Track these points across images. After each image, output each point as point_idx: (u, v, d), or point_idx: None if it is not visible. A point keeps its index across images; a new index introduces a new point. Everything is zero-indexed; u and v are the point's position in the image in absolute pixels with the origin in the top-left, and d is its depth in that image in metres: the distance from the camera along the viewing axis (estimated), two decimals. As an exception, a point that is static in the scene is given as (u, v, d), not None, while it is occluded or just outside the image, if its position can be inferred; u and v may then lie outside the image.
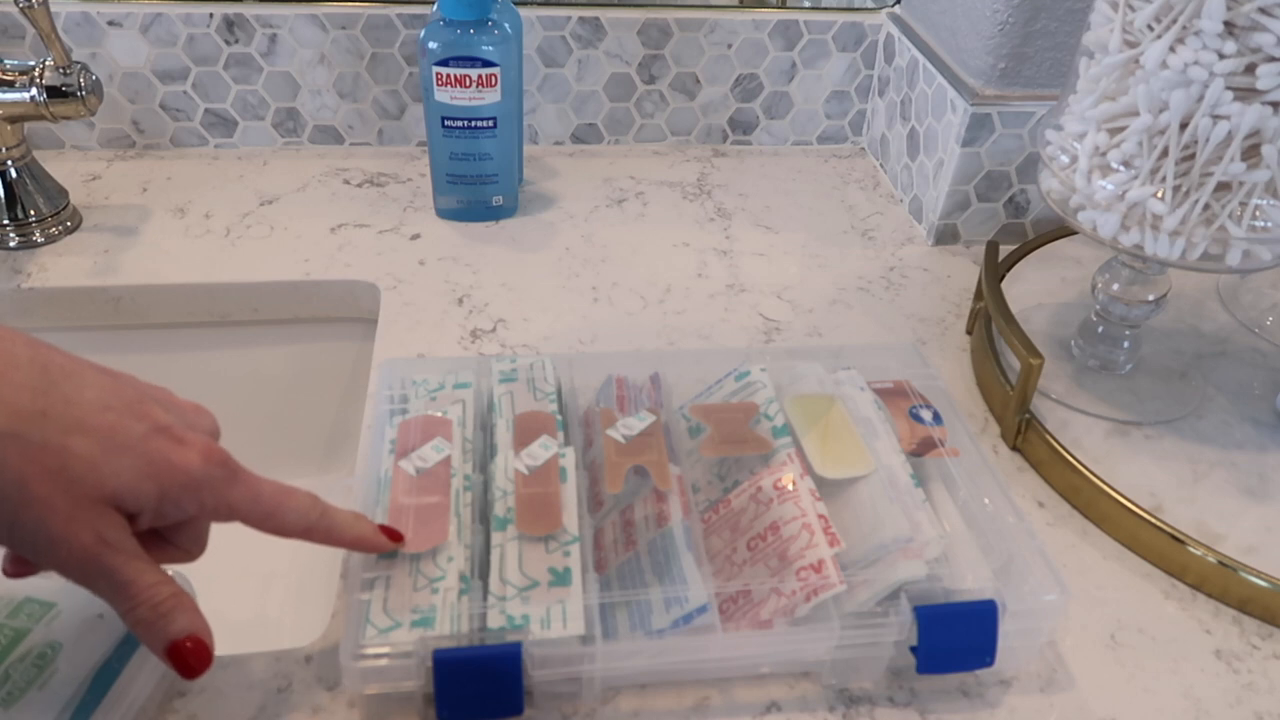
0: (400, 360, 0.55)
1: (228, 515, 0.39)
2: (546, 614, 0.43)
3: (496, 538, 0.46)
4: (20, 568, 0.40)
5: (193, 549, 0.41)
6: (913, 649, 0.45)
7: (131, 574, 0.36)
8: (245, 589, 0.66)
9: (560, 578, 0.44)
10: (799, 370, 0.57)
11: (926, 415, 0.55)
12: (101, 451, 0.35)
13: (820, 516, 0.47)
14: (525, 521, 0.46)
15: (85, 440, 0.35)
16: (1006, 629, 0.45)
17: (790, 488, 0.48)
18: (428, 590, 0.44)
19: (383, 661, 0.41)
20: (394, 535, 0.45)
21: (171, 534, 0.40)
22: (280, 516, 0.40)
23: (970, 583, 0.47)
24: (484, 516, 0.48)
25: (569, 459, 0.50)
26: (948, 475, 0.53)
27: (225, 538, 0.70)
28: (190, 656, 0.38)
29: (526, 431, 0.51)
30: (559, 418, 0.52)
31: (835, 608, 0.45)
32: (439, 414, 0.52)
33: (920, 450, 0.53)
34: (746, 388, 0.56)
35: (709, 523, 0.50)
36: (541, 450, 0.50)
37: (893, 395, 0.57)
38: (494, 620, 0.43)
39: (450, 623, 0.42)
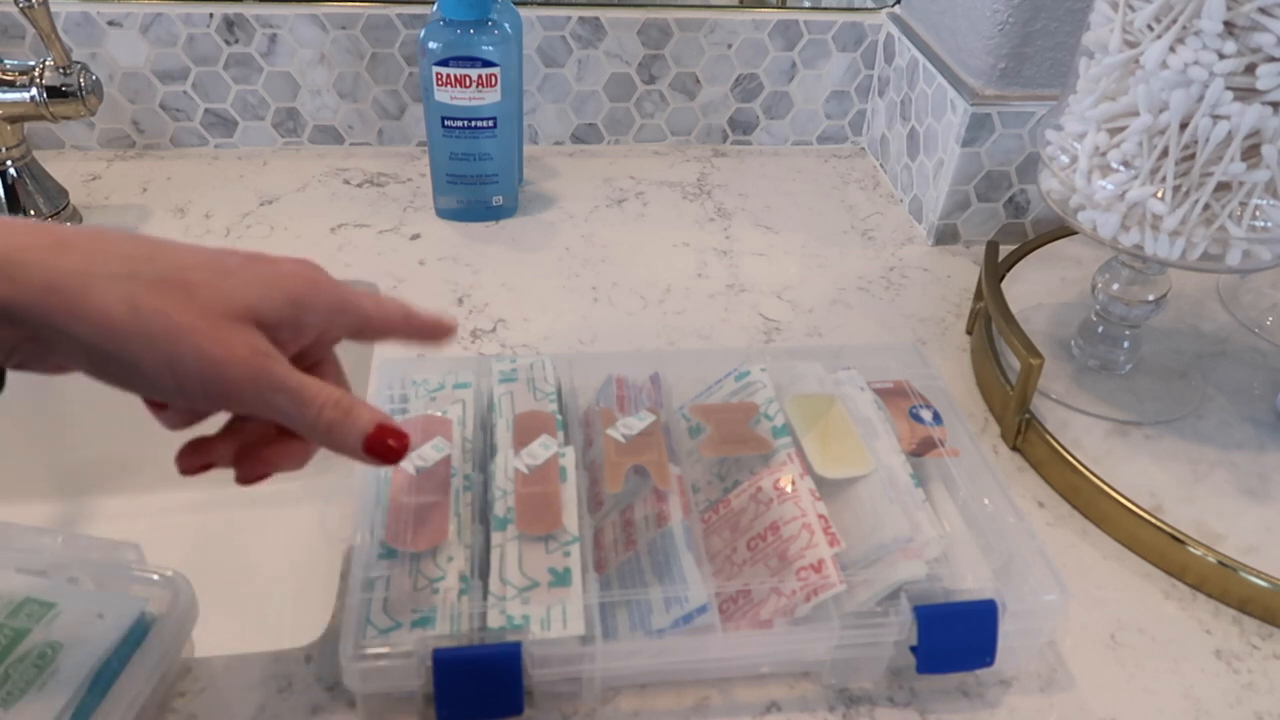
0: (400, 360, 0.55)
1: (346, 309, 0.39)
2: (546, 614, 0.43)
3: (496, 537, 0.46)
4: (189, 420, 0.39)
5: (338, 379, 0.41)
6: (913, 649, 0.45)
7: (300, 379, 0.36)
8: (245, 589, 0.66)
9: (560, 578, 0.44)
10: (799, 370, 0.57)
11: (926, 415, 0.55)
12: (216, 276, 0.35)
13: (820, 516, 0.47)
14: (525, 521, 0.46)
15: (198, 271, 0.34)
16: (1006, 629, 0.45)
17: (790, 488, 0.48)
18: (428, 590, 0.44)
19: (383, 662, 0.41)
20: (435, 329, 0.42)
21: (315, 367, 0.40)
22: (383, 303, 0.41)
23: (970, 583, 0.47)
24: (484, 516, 0.48)
25: (569, 458, 0.50)
26: (948, 475, 0.53)
27: (226, 538, 0.70)
28: (390, 438, 0.37)
29: (526, 431, 0.51)
30: (559, 417, 0.52)
31: (835, 607, 0.45)
32: (439, 414, 0.52)
33: (920, 450, 0.53)
34: (746, 388, 0.56)
35: (709, 523, 0.50)
36: (541, 450, 0.50)
37: (893, 395, 0.57)
38: (494, 620, 0.43)
39: (450, 623, 0.42)
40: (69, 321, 0.31)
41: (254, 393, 0.35)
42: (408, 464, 0.48)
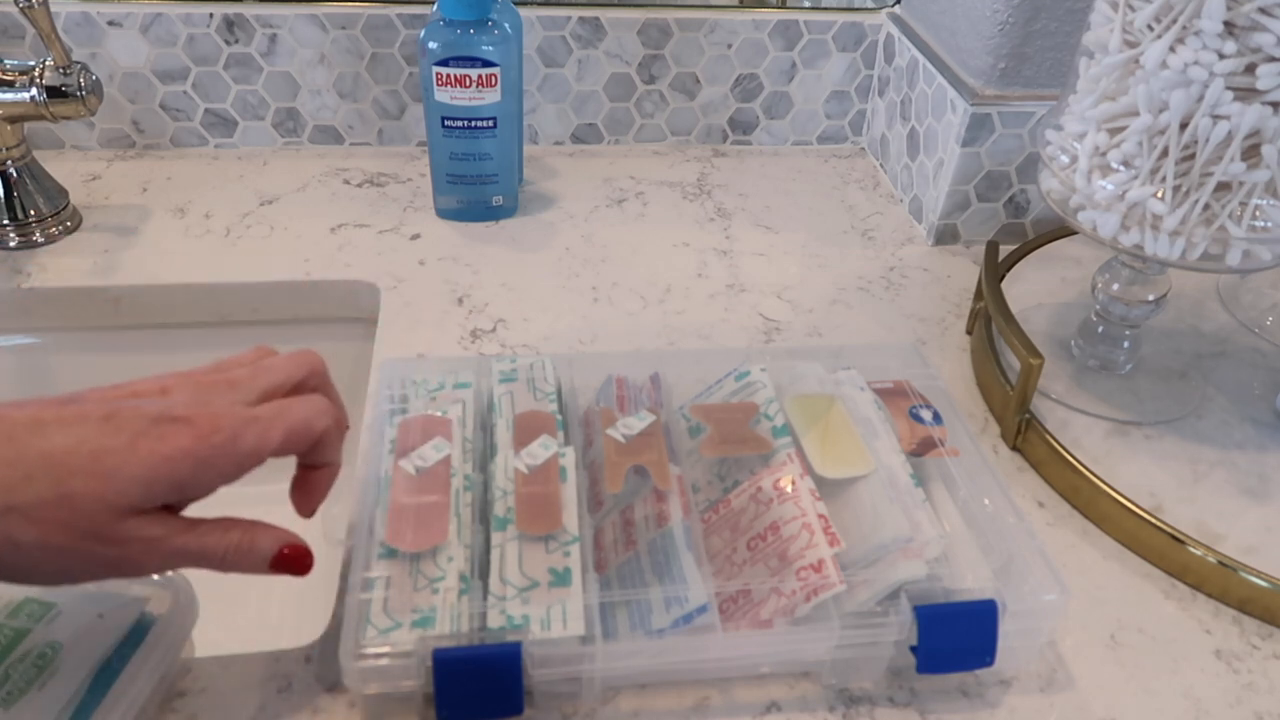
0: (400, 360, 0.55)
1: (257, 463, 0.39)
2: (546, 614, 0.43)
3: (496, 537, 0.46)
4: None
5: (317, 458, 0.43)
6: (913, 649, 0.45)
7: (196, 545, 0.38)
8: (245, 589, 0.66)
9: (560, 578, 0.44)
10: (799, 370, 0.57)
11: (926, 415, 0.55)
12: (97, 480, 0.35)
13: (820, 516, 0.47)
14: (525, 521, 0.46)
15: (77, 479, 0.35)
16: (1006, 629, 0.45)
17: (790, 488, 0.48)
18: (428, 590, 0.43)
19: (383, 661, 0.41)
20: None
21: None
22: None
23: (970, 582, 0.47)
24: (484, 516, 0.48)
25: (569, 458, 0.50)
26: (948, 475, 0.53)
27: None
28: (292, 563, 0.41)
29: (526, 431, 0.51)
30: (559, 417, 0.52)
31: (835, 607, 0.45)
32: (439, 414, 0.52)
33: (920, 450, 0.53)
34: (746, 388, 0.56)
35: (709, 523, 0.50)
36: (541, 450, 0.50)
37: (893, 395, 0.57)
38: (494, 620, 0.43)
39: (450, 622, 0.42)
40: None
41: (161, 566, 0.39)
42: (408, 464, 0.48)
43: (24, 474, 0.34)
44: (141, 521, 0.36)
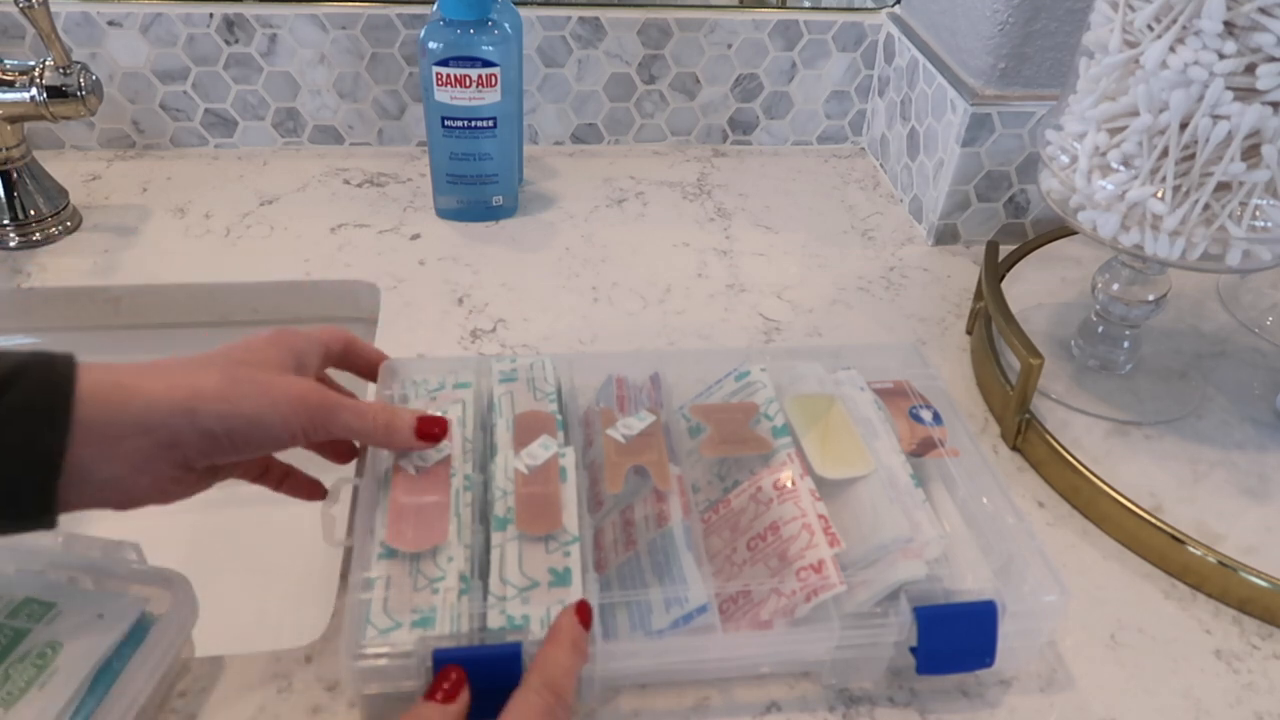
0: (400, 360, 0.55)
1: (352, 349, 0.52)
2: (547, 614, 0.43)
3: (496, 537, 0.46)
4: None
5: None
6: (912, 649, 0.45)
7: (354, 400, 0.47)
8: (245, 589, 0.66)
9: (560, 578, 0.44)
10: (799, 370, 0.57)
11: (926, 415, 0.55)
12: (262, 350, 0.45)
13: (820, 517, 0.47)
14: (525, 521, 0.46)
15: (250, 352, 0.45)
16: (1006, 630, 0.45)
17: (790, 487, 0.48)
18: (428, 590, 0.43)
19: (382, 662, 0.41)
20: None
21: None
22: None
23: (970, 583, 0.47)
24: (484, 516, 0.48)
25: (569, 459, 0.50)
26: (948, 475, 0.53)
27: (226, 538, 0.70)
28: (433, 427, 0.48)
29: (526, 431, 0.51)
30: (559, 417, 0.52)
31: (835, 608, 0.45)
32: (439, 414, 0.52)
33: (920, 450, 0.53)
34: (746, 388, 0.56)
35: (709, 523, 0.50)
36: (541, 450, 0.50)
37: (893, 395, 0.57)
38: (494, 620, 0.43)
39: (450, 623, 0.42)
40: (197, 404, 0.41)
41: (328, 416, 0.44)
42: (408, 464, 0.49)
43: (220, 357, 0.44)
44: (303, 378, 0.46)
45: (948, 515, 0.51)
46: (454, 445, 0.50)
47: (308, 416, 0.44)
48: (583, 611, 0.42)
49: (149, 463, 0.40)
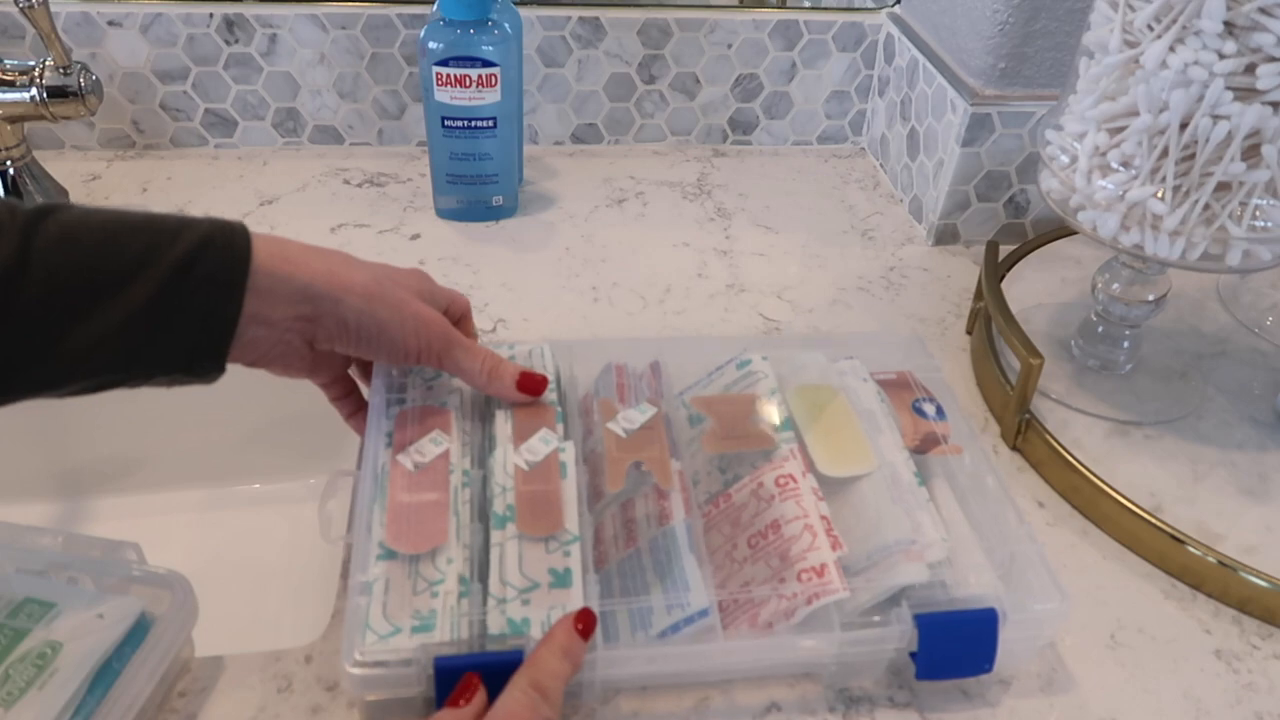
0: None
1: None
2: (547, 618, 0.42)
3: (496, 536, 0.45)
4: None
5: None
6: (912, 655, 0.45)
7: (469, 340, 0.51)
8: (245, 589, 0.66)
9: (560, 579, 0.44)
10: (801, 360, 0.57)
11: (930, 409, 0.55)
12: (404, 278, 0.50)
13: (823, 517, 0.47)
14: (526, 522, 0.46)
15: (398, 274, 0.49)
16: (1006, 635, 0.45)
17: (792, 485, 0.48)
18: (427, 594, 0.43)
19: (382, 671, 0.41)
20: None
21: None
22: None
23: (972, 587, 0.47)
24: (483, 513, 0.48)
25: (569, 453, 0.49)
26: (950, 473, 0.53)
27: (226, 538, 0.70)
28: (534, 383, 0.51)
29: (526, 424, 0.50)
30: (559, 409, 0.52)
31: (836, 611, 0.45)
32: (437, 404, 0.51)
33: (923, 447, 0.53)
34: (748, 377, 0.55)
35: (709, 516, 0.50)
36: (541, 445, 0.49)
37: (895, 387, 0.56)
38: (494, 623, 0.42)
39: (451, 629, 0.42)
40: (345, 294, 0.45)
41: (445, 347, 0.49)
42: (406, 460, 0.48)
43: (369, 266, 0.48)
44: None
45: (950, 515, 0.51)
46: (452, 439, 0.49)
47: (428, 341, 0.48)
48: (584, 620, 0.42)
49: (288, 330, 0.45)
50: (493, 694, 0.40)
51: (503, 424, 0.51)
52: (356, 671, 0.41)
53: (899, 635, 0.45)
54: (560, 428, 0.51)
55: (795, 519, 0.47)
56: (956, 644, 0.45)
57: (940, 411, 0.55)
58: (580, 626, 0.42)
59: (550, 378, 0.53)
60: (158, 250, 0.41)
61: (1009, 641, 0.45)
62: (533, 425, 0.50)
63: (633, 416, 0.51)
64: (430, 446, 0.49)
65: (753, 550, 0.47)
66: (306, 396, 0.78)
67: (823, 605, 0.44)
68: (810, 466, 0.50)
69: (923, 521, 0.48)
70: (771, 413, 0.53)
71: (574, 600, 0.43)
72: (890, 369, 0.58)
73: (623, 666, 0.44)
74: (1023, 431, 0.61)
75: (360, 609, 0.42)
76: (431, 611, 0.42)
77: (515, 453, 0.49)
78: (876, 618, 0.45)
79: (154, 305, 0.40)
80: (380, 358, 0.49)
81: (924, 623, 0.44)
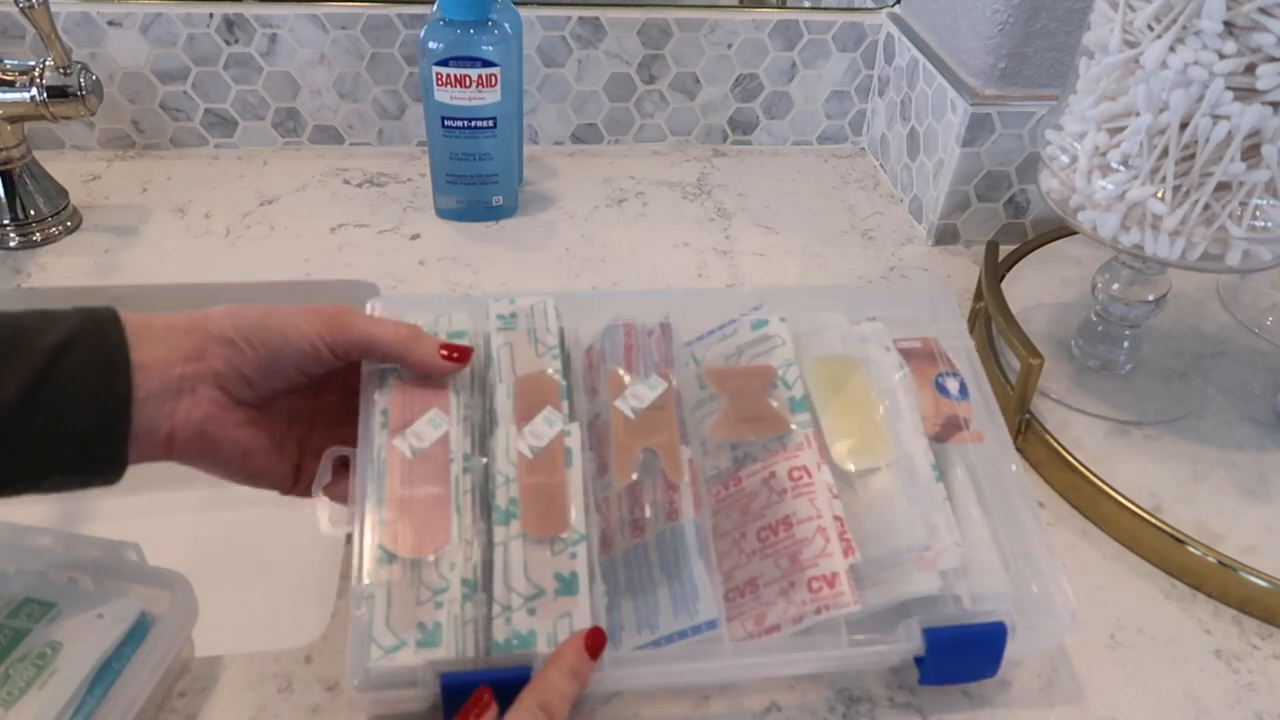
0: (388, 298, 0.52)
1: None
2: (554, 628, 0.42)
3: (499, 533, 0.44)
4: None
5: None
6: (917, 660, 0.45)
7: (376, 318, 0.49)
8: (245, 589, 0.66)
9: (567, 585, 0.43)
10: (820, 320, 0.54)
11: (953, 386, 0.52)
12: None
13: (836, 518, 0.46)
14: (530, 522, 0.44)
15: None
16: (1013, 645, 0.45)
17: (806, 479, 0.47)
18: (431, 604, 0.42)
19: (389, 693, 0.41)
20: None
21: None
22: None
23: (983, 599, 0.46)
24: (485, 505, 0.46)
25: (574, 437, 0.47)
26: (970, 464, 0.51)
27: (226, 538, 0.70)
28: (456, 354, 0.48)
29: (528, 402, 0.48)
30: (563, 383, 0.49)
31: (843, 619, 0.44)
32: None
33: (943, 435, 0.51)
34: (763, 341, 0.52)
35: (718, 497, 0.48)
36: (545, 427, 0.47)
37: (919, 358, 0.53)
38: (500, 633, 0.41)
39: (456, 644, 0.41)
40: (209, 316, 0.44)
41: (345, 319, 0.46)
42: (403, 444, 0.46)
43: (258, 310, 0.45)
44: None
45: (966, 512, 0.49)
46: (451, 419, 0.47)
47: (322, 322, 0.45)
48: (593, 639, 0.42)
49: (183, 379, 0.42)
50: (500, 711, 0.40)
51: (504, 399, 0.48)
52: (363, 696, 0.40)
53: (907, 649, 0.44)
54: (565, 405, 0.48)
55: (808, 519, 0.46)
56: (963, 654, 0.45)
57: (963, 389, 0.52)
58: (589, 645, 0.41)
59: (553, 337, 0.51)
60: (25, 337, 0.39)
61: (1015, 650, 0.45)
62: (537, 402, 0.47)
63: (641, 393, 0.48)
64: (428, 429, 0.46)
65: (762, 544, 0.46)
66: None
67: (832, 616, 0.44)
68: (825, 458, 0.48)
69: (938, 524, 0.47)
70: (788, 388, 0.50)
71: (580, 608, 0.42)
72: (915, 334, 0.54)
73: (628, 682, 0.44)
74: (1023, 431, 0.61)
75: (363, 621, 0.41)
76: (436, 624, 0.41)
77: (519, 436, 0.47)
78: (885, 639, 0.45)
79: (28, 394, 0.38)
80: (295, 366, 0.45)
81: (933, 637, 0.44)
